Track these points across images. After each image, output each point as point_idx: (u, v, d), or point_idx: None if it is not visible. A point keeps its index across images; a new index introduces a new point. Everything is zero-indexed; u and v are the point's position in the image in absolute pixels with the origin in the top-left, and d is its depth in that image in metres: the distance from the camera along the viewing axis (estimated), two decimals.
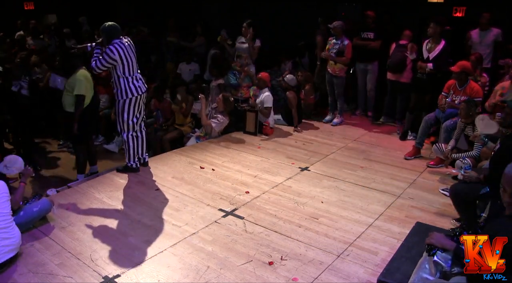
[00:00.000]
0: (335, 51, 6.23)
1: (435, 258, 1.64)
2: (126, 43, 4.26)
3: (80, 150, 4.93)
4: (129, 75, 4.30)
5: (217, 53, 7.44)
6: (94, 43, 4.36)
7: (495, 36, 5.90)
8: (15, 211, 3.31)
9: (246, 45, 6.79)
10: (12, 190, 3.31)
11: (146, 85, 4.54)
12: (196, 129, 6.31)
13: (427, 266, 1.67)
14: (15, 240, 3.00)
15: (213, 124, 5.76)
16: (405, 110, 6.15)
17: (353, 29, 6.72)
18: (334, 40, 6.28)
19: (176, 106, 6.24)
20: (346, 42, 6.22)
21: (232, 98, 5.93)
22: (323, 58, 6.54)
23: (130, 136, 4.55)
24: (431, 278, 1.64)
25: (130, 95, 4.33)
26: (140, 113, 4.55)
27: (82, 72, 4.62)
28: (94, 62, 4.20)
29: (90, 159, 5.06)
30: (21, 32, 9.37)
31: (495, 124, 4.05)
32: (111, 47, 4.14)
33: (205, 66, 7.91)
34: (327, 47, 6.36)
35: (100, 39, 4.31)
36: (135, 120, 4.49)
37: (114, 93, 4.43)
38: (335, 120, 6.64)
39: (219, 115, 5.78)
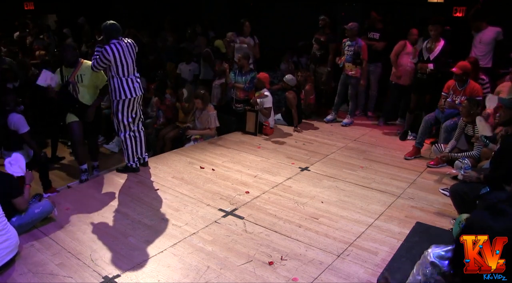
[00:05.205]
0: (351, 53, 6.16)
1: (432, 259, 1.64)
2: (125, 44, 4.23)
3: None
4: (123, 76, 4.25)
5: (207, 52, 7.46)
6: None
7: (495, 34, 5.74)
8: (17, 212, 3.31)
9: (246, 45, 6.78)
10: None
11: (142, 89, 4.48)
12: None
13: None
14: (13, 240, 2.99)
15: (213, 126, 5.78)
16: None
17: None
18: (348, 42, 6.20)
19: (181, 104, 6.24)
20: (360, 43, 6.16)
21: (203, 91, 5.81)
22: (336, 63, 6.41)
23: (127, 136, 4.54)
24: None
25: (123, 97, 4.30)
26: (135, 113, 4.53)
27: (89, 63, 4.39)
28: (93, 60, 4.20)
29: (92, 154, 5.00)
30: (18, 32, 9.42)
31: (490, 128, 4.08)
32: (107, 47, 4.13)
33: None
34: (344, 51, 6.22)
35: (101, 38, 4.29)
36: (130, 120, 4.48)
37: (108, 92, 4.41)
38: (345, 120, 6.57)
39: (208, 113, 5.74)
